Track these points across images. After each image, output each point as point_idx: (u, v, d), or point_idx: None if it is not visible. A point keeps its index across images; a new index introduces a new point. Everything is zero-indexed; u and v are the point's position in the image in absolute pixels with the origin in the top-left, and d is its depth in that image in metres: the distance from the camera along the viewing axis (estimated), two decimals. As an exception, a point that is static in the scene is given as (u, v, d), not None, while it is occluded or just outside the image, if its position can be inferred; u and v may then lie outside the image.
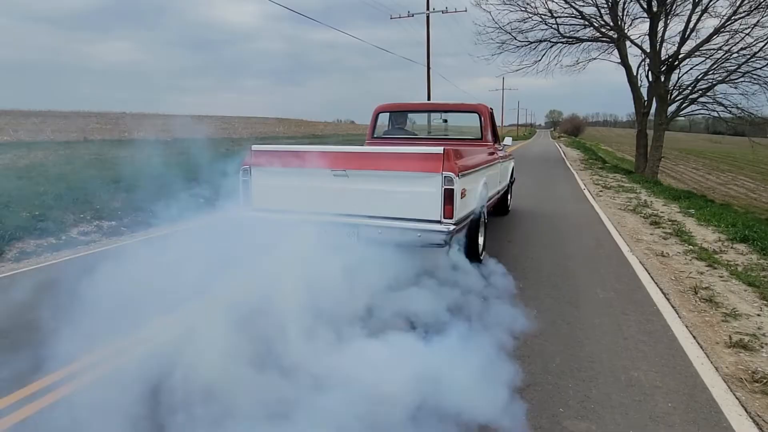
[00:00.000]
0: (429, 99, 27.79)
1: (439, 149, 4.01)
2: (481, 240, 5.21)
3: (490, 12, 19.24)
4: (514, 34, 19.21)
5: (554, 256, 5.99)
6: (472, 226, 4.78)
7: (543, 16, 18.60)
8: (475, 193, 4.81)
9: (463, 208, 4.25)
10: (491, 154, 6.18)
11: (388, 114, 7.32)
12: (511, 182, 8.64)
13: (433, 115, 7.92)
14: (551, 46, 19.48)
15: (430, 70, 27.35)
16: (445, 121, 7.41)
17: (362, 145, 6.63)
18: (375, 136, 7.16)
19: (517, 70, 20.75)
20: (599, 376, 3.09)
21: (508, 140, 8.01)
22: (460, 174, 4.04)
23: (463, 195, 4.19)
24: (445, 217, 3.98)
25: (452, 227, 3.98)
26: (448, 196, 3.95)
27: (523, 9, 18.58)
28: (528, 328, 3.71)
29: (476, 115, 6.77)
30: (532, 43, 19.41)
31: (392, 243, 4.05)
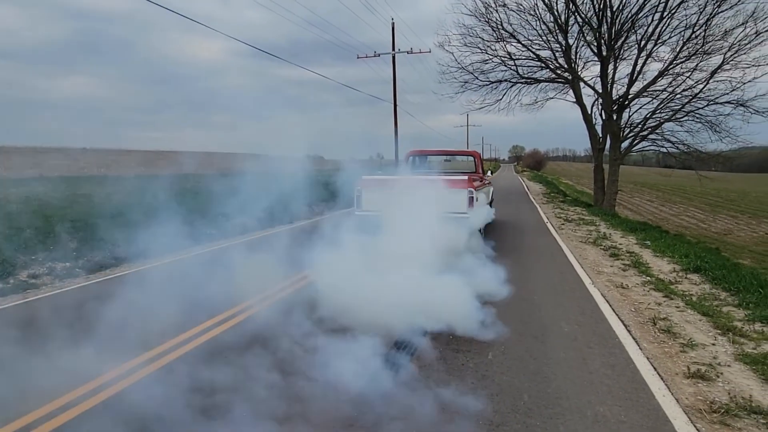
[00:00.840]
0: (396, 135, 28.31)
1: (465, 177, 7.95)
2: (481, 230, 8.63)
3: (452, 53, 20.01)
4: (476, 74, 20.02)
5: (520, 290, 6.08)
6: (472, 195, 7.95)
7: (503, 58, 19.53)
8: (480, 200, 8.52)
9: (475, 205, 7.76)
10: (482, 181, 9.77)
11: (413, 157, 11.28)
12: (492, 199, 11.94)
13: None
14: (511, 86, 20.36)
15: (397, 107, 28.04)
16: (448, 160, 11.17)
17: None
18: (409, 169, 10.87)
19: (480, 108, 21.49)
20: (566, 413, 3.11)
21: (488, 173, 11.57)
22: (475, 189, 7.77)
23: (476, 200, 7.80)
24: (468, 208, 7.51)
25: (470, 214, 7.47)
26: (470, 200, 7.56)
27: (483, 51, 19.48)
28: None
29: (472, 157, 11.03)
30: (492, 83, 20.25)
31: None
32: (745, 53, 15.30)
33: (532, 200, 21.66)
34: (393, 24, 27.45)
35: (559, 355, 4.06)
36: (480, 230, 8.40)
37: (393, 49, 27.39)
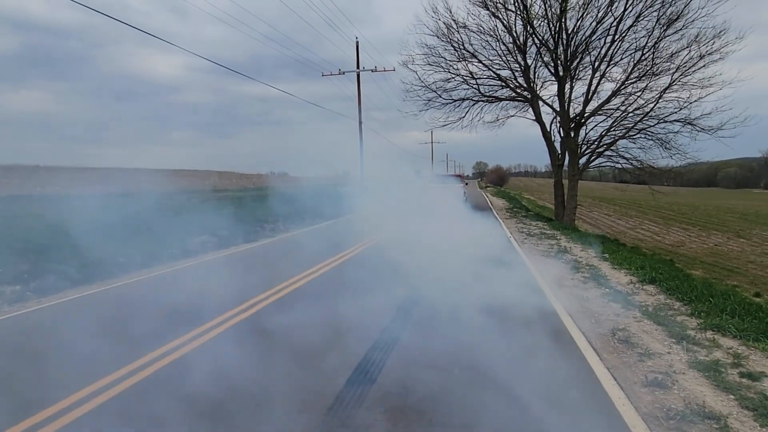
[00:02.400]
0: (361, 152, 28.45)
1: (462, 182, 29.46)
2: (465, 197, 27.04)
3: (416, 72, 20.49)
4: (439, 93, 20.49)
5: (485, 305, 6.16)
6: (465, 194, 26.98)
7: (465, 77, 20.08)
8: (466, 190, 28.72)
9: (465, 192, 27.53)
10: (464, 183, 29.83)
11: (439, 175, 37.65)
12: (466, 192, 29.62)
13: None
14: (473, 104, 20.91)
15: (362, 124, 28.25)
16: (451, 175, 33.01)
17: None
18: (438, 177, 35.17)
19: (444, 125, 21.97)
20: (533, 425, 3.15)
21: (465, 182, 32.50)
22: (465, 184, 30.25)
23: (465, 185, 29.04)
24: (464, 193, 26.64)
25: (466, 195, 26.75)
26: (464, 186, 28.69)
27: (446, 70, 19.99)
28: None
29: (459, 176, 33.11)
30: (455, 101, 20.75)
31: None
32: (690, 74, 16.28)
33: (496, 215, 22.10)
34: (357, 43, 27.82)
35: (524, 368, 4.12)
36: (465, 194, 26.38)
37: (357, 67, 27.69)
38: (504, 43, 19.18)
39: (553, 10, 17.65)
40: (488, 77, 20.14)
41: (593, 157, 19.62)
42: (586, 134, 19.79)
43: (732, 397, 3.60)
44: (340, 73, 27.90)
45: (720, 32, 15.36)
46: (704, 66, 15.90)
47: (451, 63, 19.79)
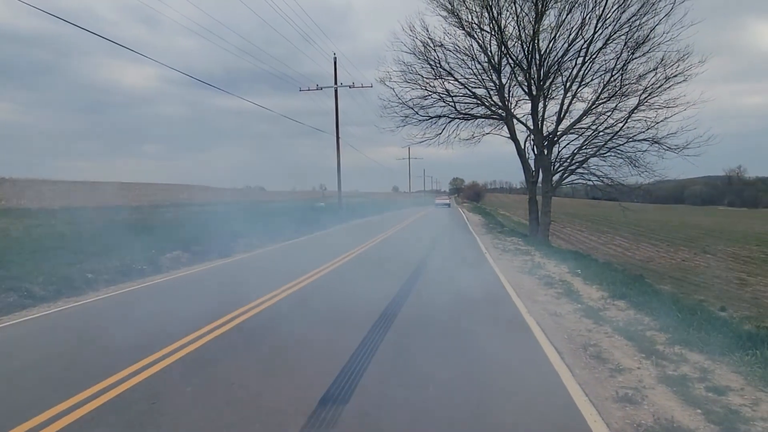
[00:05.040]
0: (339, 166, 28.49)
1: (448, 198, 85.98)
2: (450, 206, 66.57)
3: (393, 89, 20.72)
4: (416, 110, 20.75)
5: (458, 325, 6.17)
6: (450, 205, 68.19)
7: (441, 95, 20.42)
8: (451, 203, 76.78)
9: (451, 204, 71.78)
10: (449, 198, 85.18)
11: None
12: (450, 204, 71.75)
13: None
14: (450, 121, 21.25)
15: (339, 140, 28.33)
16: (443, 192, 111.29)
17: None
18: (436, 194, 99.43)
19: (421, 142, 22.21)
20: (505, 444, 3.14)
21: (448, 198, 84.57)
22: (450, 200, 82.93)
23: (450, 202, 76.37)
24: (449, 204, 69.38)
25: (449, 205, 68.04)
26: (449, 201, 77.51)
27: (423, 87, 20.31)
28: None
29: (447, 194, 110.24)
30: (432, 118, 21.04)
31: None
32: (657, 95, 16.98)
33: (472, 231, 22.35)
34: (335, 59, 28.02)
35: (497, 385, 4.12)
36: (449, 205, 65.74)
37: (335, 83, 27.87)
38: (479, 62, 19.63)
39: (526, 31, 18.19)
40: (464, 95, 20.54)
41: (566, 175, 20.10)
42: (558, 152, 20.32)
43: (699, 411, 3.67)
44: (318, 89, 28.03)
45: (684, 56, 16.11)
46: (670, 87, 16.63)
47: (428, 80, 20.17)
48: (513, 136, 20.52)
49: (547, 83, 19.44)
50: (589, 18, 17.14)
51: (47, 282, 8.16)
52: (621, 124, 17.94)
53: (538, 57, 18.68)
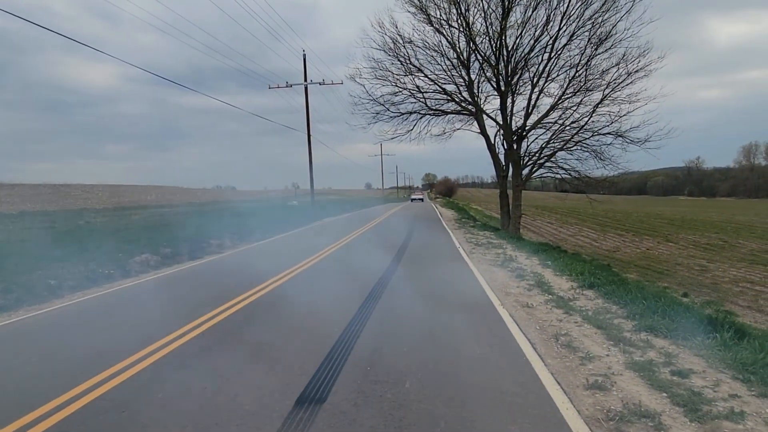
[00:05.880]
0: (311, 164, 28.25)
1: (422, 193, 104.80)
2: (424, 201, 77.61)
3: (363, 85, 20.84)
4: (387, 106, 20.81)
5: (434, 314, 6.22)
6: (423, 200, 79.00)
7: (412, 91, 20.52)
8: (423, 196, 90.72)
9: (424, 198, 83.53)
10: (422, 193, 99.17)
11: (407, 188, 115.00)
12: (423, 199, 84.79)
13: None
14: (421, 117, 21.39)
15: (311, 137, 28.07)
16: (418, 187, 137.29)
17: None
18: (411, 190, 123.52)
19: (392, 138, 22.31)
20: (480, 435, 3.18)
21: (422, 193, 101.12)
22: (423, 195, 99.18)
23: (424, 197, 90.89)
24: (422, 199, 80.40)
25: (424, 200, 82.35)
26: (425, 197, 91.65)
27: (393, 84, 20.36)
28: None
29: (421, 189, 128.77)
30: (403, 114, 21.13)
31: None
32: (619, 90, 17.50)
33: (445, 226, 22.53)
34: (304, 56, 27.74)
35: (472, 378, 4.17)
36: (422, 200, 76.85)
37: (305, 80, 27.58)
38: (448, 59, 19.78)
39: (493, 27, 18.42)
40: (434, 91, 20.68)
41: (535, 168, 20.51)
42: (527, 146, 20.72)
43: (665, 394, 3.81)
44: (287, 86, 27.69)
45: (644, 51, 16.64)
46: (631, 82, 17.15)
47: (398, 77, 20.23)
48: (483, 132, 20.80)
49: (515, 79, 19.76)
50: (554, 14, 17.52)
51: (6, 290, 7.82)
52: (586, 119, 18.45)
53: (505, 53, 18.96)
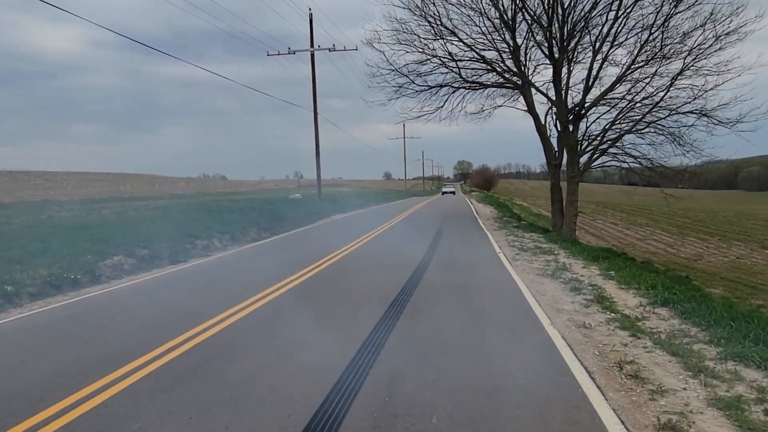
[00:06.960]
0: (317, 148, 28.44)
1: (454, 185, 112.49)
2: (456, 194, 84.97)
3: (383, 52, 20.69)
4: (411, 77, 20.80)
5: (470, 338, 6.23)
6: (455, 193, 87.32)
7: (442, 59, 20.42)
8: (456, 189, 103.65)
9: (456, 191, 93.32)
10: (454, 186, 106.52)
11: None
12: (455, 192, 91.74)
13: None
14: (453, 91, 21.33)
15: (318, 116, 28.21)
16: (450, 179, 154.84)
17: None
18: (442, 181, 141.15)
19: (418, 117, 22.33)
20: (524, 483, 3.19)
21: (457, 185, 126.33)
22: (455, 188, 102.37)
23: (456, 190, 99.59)
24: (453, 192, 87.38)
25: (456, 192, 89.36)
26: (457, 189, 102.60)
27: (420, 50, 20.28)
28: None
29: (457, 182, 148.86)
30: (432, 87, 21.07)
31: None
32: (705, 58, 17.03)
33: (482, 226, 22.46)
34: (311, 14, 27.95)
35: (514, 413, 4.18)
36: (454, 193, 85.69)
37: (311, 46, 27.71)
38: (489, 18, 19.64)
39: (545, -21, 18.20)
40: (471, 59, 20.58)
41: (596, 155, 20.23)
42: (587, 128, 20.43)
43: (757, 439, 3.76)
44: (289, 53, 27.87)
45: (738, 9, 16.16)
46: (720, 48, 16.71)
47: (426, 41, 20.19)
48: (531, 109, 20.62)
49: (572, 44, 19.51)
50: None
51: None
52: (662, 94, 18.08)
53: (560, 11, 18.71)
